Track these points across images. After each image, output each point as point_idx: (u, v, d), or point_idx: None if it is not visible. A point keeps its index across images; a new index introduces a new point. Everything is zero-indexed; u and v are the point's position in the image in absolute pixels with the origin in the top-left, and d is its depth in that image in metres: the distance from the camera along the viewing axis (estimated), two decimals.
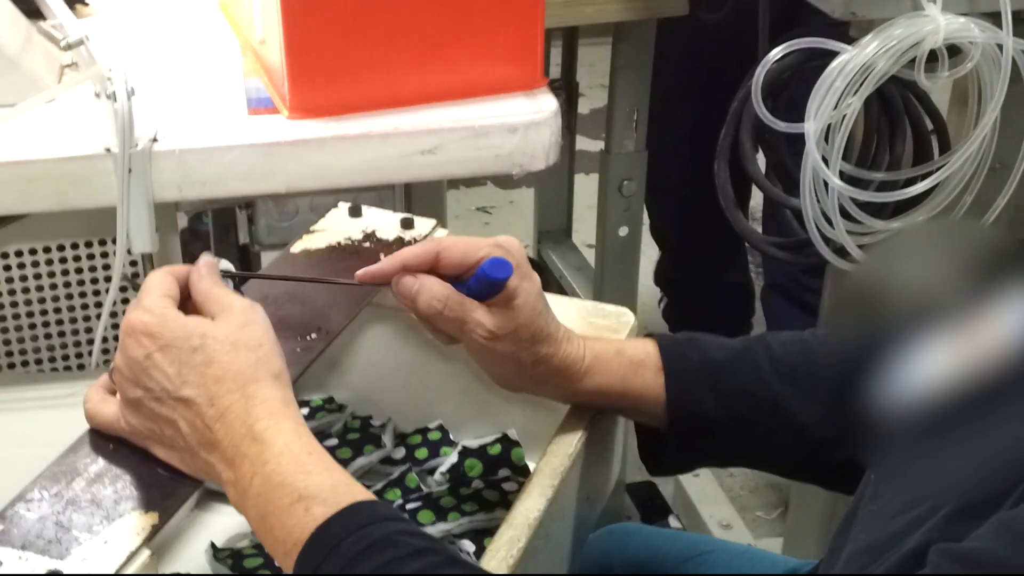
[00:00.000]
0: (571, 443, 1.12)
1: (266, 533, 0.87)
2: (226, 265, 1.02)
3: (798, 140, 1.54)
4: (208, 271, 0.99)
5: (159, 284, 0.97)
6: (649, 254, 2.79)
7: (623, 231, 2.47)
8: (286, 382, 0.94)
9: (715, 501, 2.54)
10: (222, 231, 1.85)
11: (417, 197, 1.64)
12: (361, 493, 0.87)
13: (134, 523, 0.91)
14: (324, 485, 0.87)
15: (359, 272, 1.05)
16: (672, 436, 1.11)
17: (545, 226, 2.97)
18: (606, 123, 2.42)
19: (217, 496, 1.22)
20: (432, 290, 1.01)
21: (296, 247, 1.25)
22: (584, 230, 3.11)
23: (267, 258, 1.54)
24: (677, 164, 2.54)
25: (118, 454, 0.97)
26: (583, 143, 3.22)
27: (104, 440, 0.98)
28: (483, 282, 1.01)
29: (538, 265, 2.86)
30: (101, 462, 0.96)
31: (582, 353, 1.08)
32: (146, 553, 0.89)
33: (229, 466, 0.90)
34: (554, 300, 1.28)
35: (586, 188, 3.11)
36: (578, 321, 1.23)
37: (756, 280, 2.98)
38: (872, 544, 0.82)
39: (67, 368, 1.48)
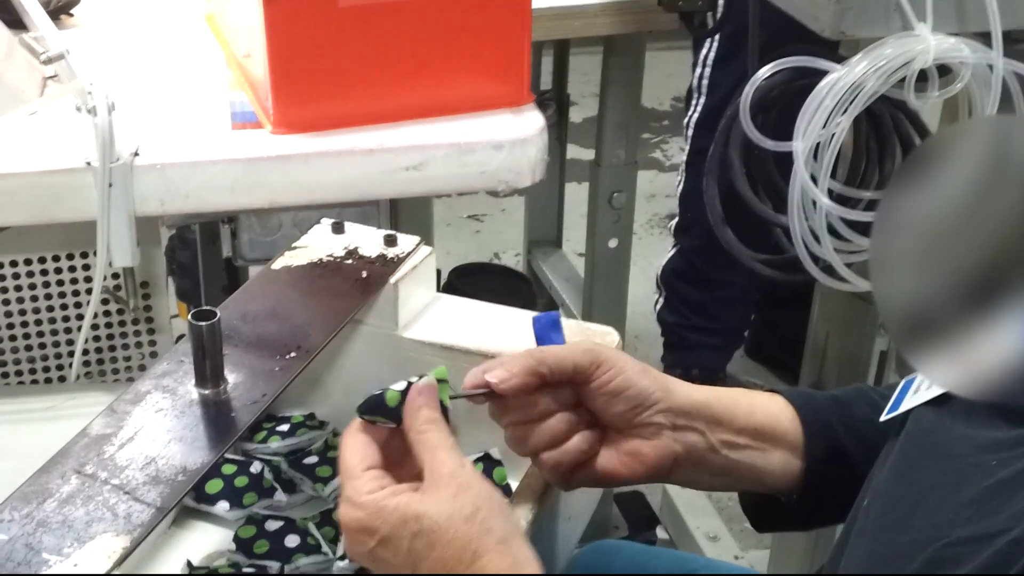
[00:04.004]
0: None
1: None
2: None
3: (788, 158, 1.54)
4: (425, 402, 0.94)
5: (356, 458, 0.93)
6: (640, 263, 2.79)
7: (613, 243, 2.46)
8: (512, 541, 0.89)
9: (703, 512, 2.52)
10: (209, 241, 1.84)
11: (403, 209, 1.63)
12: None
13: (105, 546, 0.90)
14: None
15: (469, 382, 1.01)
16: (809, 480, 1.08)
17: (535, 236, 2.96)
18: (596, 135, 2.41)
19: (193, 513, 1.21)
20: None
21: (277, 264, 1.24)
22: (576, 239, 3.10)
23: (252, 272, 1.53)
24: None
25: (91, 475, 0.96)
26: (576, 152, 3.22)
27: (77, 460, 0.97)
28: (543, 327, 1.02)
29: (527, 277, 2.85)
30: (74, 482, 0.95)
31: (720, 400, 1.06)
32: None
33: None
34: None
35: (579, 196, 3.10)
36: None
37: None
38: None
39: (47, 380, 1.48)
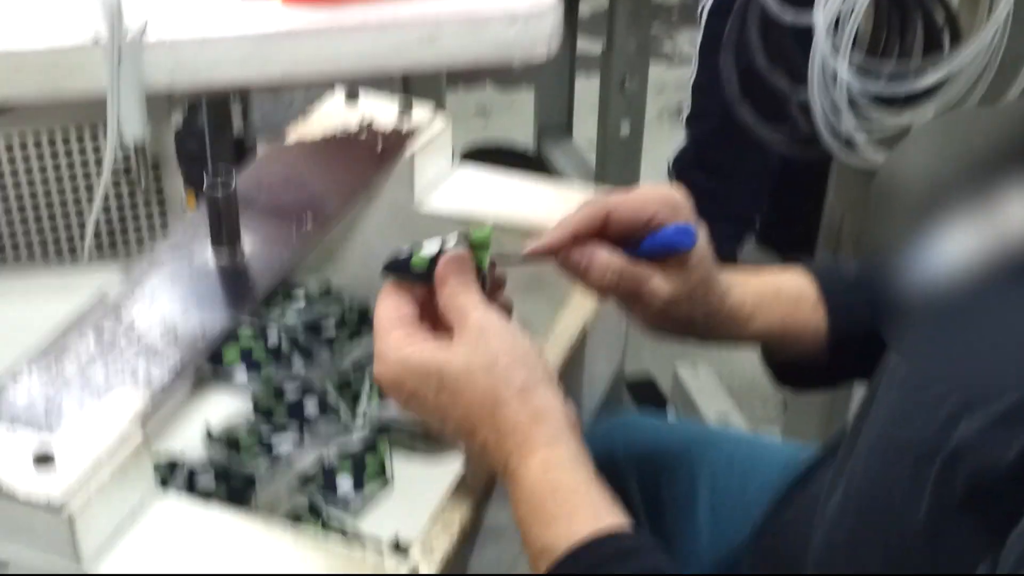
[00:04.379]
0: (576, 326, 1.11)
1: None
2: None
3: (806, 35, 1.52)
4: (454, 271, 0.92)
5: (389, 315, 0.91)
6: (650, 156, 2.76)
7: (624, 129, 2.44)
8: (533, 389, 0.88)
9: (713, 394, 2.52)
10: (218, 127, 1.82)
11: (416, 94, 1.61)
12: (602, 520, 0.85)
13: (126, 402, 0.89)
14: (561, 536, 0.84)
15: (527, 249, 0.97)
16: (832, 352, 1.07)
17: (545, 124, 2.93)
18: (608, 19, 2.38)
19: (211, 381, 1.21)
20: (606, 263, 0.96)
21: (291, 135, 1.23)
22: (585, 132, 3.08)
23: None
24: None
25: (110, 335, 0.95)
26: (585, 46, 3.18)
27: (96, 321, 0.97)
28: (666, 249, 0.96)
29: (539, 161, 2.82)
30: (93, 344, 0.95)
31: (744, 298, 1.04)
32: (139, 433, 0.88)
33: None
34: (559, 192, 1.27)
35: (587, 89, 3.07)
36: None
37: None
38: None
39: (59, 258, 1.46)
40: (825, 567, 0.90)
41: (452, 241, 0.92)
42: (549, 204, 1.24)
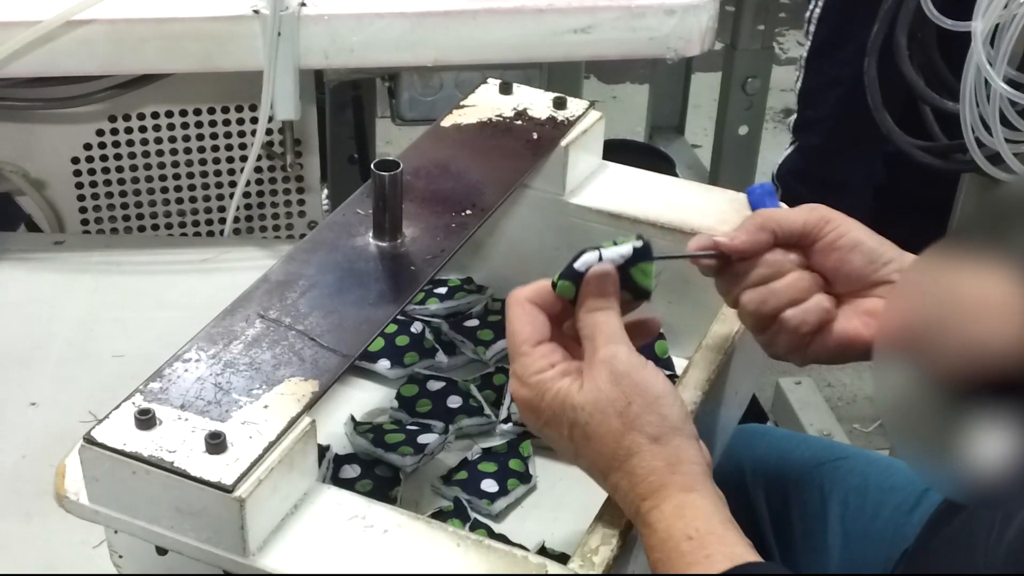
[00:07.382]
0: (727, 337, 1.08)
1: None
2: (609, 257, 0.90)
3: (949, 42, 1.48)
4: (593, 291, 0.89)
5: (525, 332, 0.89)
6: (766, 155, 2.72)
7: (743, 130, 2.40)
8: (667, 438, 0.85)
9: (816, 409, 2.48)
10: (339, 108, 1.81)
11: (554, 83, 1.59)
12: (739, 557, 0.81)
13: (294, 389, 0.88)
14: None
15: (716, 242, 0.95)
16: None
17: (658, 122, 2.90)
18: (733, 18, 2.34)
19: (354, 370, 1.20)
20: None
21: (446, 121, 1.21)
22: (691, 129, 3.03)
23: (402, 133, 1.49)
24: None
25: (275, 320, 0.94)
26: None
27: (260, 305, 0.95)
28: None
29: (663, 154, 2.77)
30: (258, 326, 0.93)
31: None
32: (307, 420, 0.86)
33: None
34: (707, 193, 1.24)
35: (694, 87, 3.02)
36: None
37: None
38: None
39: (197, 234, 1.46)
40: None
41: (627, 247, 0.90)
42: (699, 205, 1.20)
